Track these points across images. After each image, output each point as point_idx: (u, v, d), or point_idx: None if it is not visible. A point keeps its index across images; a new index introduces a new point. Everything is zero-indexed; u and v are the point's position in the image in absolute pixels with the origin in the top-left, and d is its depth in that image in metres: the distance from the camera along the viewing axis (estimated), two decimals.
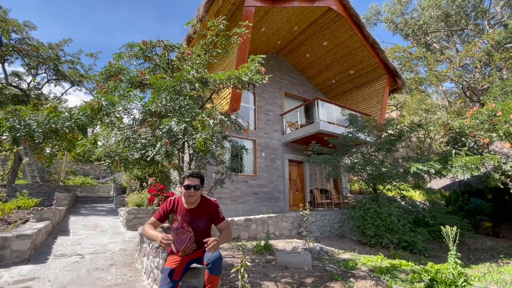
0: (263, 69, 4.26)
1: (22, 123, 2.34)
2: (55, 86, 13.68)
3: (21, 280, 3.29)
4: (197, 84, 3.60)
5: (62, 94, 13.97)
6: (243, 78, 4.06)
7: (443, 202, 10.82)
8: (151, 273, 3.31)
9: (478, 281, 4.25)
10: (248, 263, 4.41)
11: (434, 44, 22.97)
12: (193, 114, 3.17)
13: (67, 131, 2.83)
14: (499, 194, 9.95)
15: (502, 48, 16.08)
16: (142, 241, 4.11)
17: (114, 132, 3.55)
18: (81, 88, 13.81)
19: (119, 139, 3.69)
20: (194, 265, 2.51)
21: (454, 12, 19.84)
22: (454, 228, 3.72)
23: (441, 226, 3.82)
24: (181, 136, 3.52)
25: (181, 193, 2.30)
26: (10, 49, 11.26)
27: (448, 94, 22.29)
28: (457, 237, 3.61)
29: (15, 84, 12.39)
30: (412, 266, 4.99)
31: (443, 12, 20.02)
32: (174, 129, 3.37)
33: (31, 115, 2.49)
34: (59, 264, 3.98)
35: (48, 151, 11.95)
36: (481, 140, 7.97)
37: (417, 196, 12.69)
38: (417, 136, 17.81)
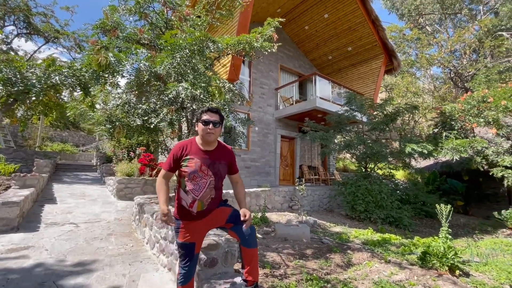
0: (276, 35, 3.95)
1: (19, 76, 1.96)
2: (26, 41, 12.24)
3: (15, 249, 3.09)
4: (219, 45, 3.24)
5: (35, 52, 12.53)
6: (255, 44, 3.75)
7: (419, 180, 11.49)
8: (156, 244, 3.22)
9: (461, 254, 4.62)
10: None
11: (427, 27, 22.88)
12: (207, 79, 2.88)
13: (70, 89, 2.47)
14: (474, 176, 10.70)
15: (492, 35, 16.35)
16: (142, 211, 3.97)
17: (113, 95, 3.20)
18: (57, 45, 12.46)
19: (118, 103, 3.35)
20: (211, 238, 2.43)
21: None
22: (448, 206, 3.97)
23: (436, 205, 4.05)
24: (188, 103, 3.25)
25: (195, 132, 1.95)
26: None
27: (434, 79, 22.75)
28: (446, 215, 3.86)
29: None
30: (400, 240, 5.31)
31: None
32: (182, 95, 3.09)
33: (28, 67, 2.11)
34: (53, 232, 3.78)
35: (20, 114, 10.96)
36: (468, 124, 8.32)
37: (399, 175, 13.35)
38: (402, 118, 18.28)
